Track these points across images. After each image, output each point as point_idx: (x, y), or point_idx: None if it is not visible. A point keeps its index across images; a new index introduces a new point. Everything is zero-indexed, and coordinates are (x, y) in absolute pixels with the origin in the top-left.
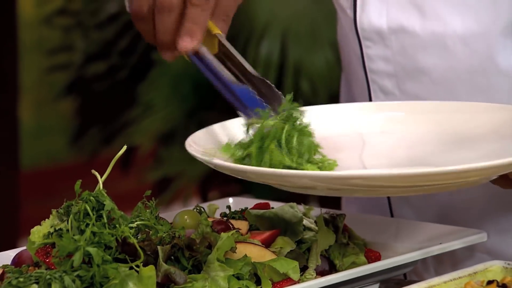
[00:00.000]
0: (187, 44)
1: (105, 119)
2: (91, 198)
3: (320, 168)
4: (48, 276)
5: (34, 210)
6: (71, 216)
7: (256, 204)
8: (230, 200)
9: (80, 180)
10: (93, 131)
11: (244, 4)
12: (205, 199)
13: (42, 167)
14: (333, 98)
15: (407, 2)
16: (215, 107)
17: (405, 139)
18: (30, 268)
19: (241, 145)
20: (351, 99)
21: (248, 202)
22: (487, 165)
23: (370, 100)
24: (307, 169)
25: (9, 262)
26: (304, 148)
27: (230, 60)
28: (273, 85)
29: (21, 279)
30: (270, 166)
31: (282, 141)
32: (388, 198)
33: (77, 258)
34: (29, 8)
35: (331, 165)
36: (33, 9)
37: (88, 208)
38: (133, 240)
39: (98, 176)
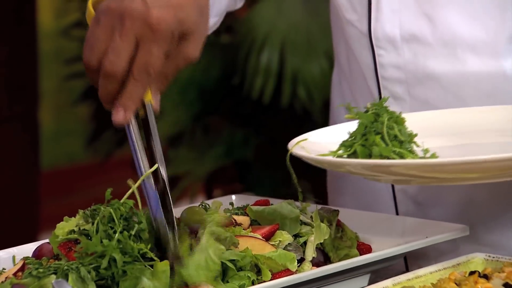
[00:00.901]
0: (120, 117)
1: None
2: (120, 207)
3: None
4: (65, 267)
5: (53, 207)
6: (97, 218)
7: (257, 201)
8: (233, 197)
9: (111, 188)
10: (107, 134)
11: (246, 17)
12: (210, 196)
13: (61, 167)
14: (327, 103)
15: (418, 12)
16: (219, 112)
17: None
18: (50, 260)
19: (344, 145)
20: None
21: (249, 199)
22: None
23: None
24: (409, 156)
25: (29, 255)
26: (405, 136)
27: (148, 132)
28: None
29: (41, 270)
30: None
31: (384, 133)
32: (394, 196)
33: (104, 263)
34: (48, 20)
35: (432, 156)
36: (52, 22)
37: (113, 214)
38: (150, 254)
39: (137, 194)
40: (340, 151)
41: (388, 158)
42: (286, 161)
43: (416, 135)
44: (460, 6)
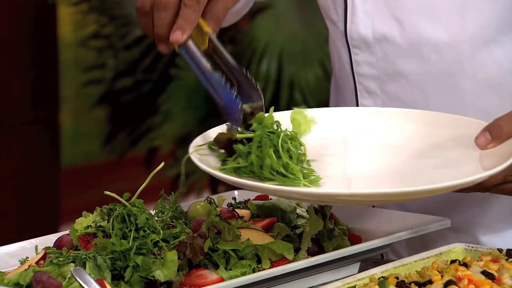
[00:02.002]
0: (178, 37)
1: (132, 125)
2: (133, 212)
3: (304, 177)
4: (83, 256)
5: (72, 201)
6: (112, 216)
7: (257, 196)
8: (236, 192)
9: (128, 194)
10: (122, 135)
11: (247, 29)
12: (214, 191)
13: (79, 165)
14: (321, 106)
15: (388, 16)
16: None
17: (383, 148)
18: (69, 250)
19: (241, 153)
20: (340, 99)
21: (250, 194)
22: (439, 187)
23: (357, 98)
24: (296, 173)
25: (51, 245)
26: (295, 154)
27: (217, 54)
28: (252, 78)
29: (61, 259)
30: (271, 171)
31: (278, 147)
32: None
33: (120, 262)
34: (68, 32)
35: (316, 179)
36: (71, 33)
37: (126, 217)
38: (161, 244)
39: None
40: (236, 162)
41: (278, 172)
42: (189, 162)
43: (304, 154)
44: (425, 10)
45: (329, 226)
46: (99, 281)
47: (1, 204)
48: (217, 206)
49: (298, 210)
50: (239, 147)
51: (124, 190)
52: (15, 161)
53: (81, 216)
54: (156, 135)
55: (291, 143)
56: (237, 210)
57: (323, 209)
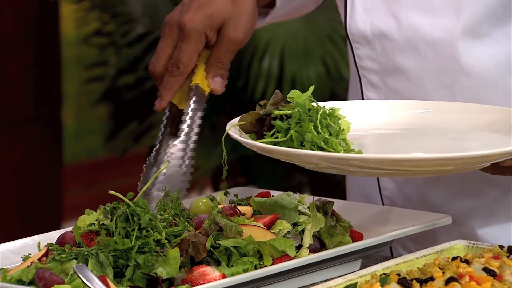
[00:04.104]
0: (157, 105)
1: (134, 122)
2: (137, 212)
3: (345, 151)
4: (86, 253)
5: (75, 198)
6: (116, 215)
7: (259, 193)
8: (238, 189)
9: (132, 193)
10: (124, 132)
11: None
12: (216, 188)
13: (82, 162)
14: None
15: (386, 12)
16: (225, 112)
17: (421, 135)
18: (72, 247)
19: (280, 129)
20: (352, 90)
21: (252, 191)
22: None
23: (362, 90)
24: (335, 147)
25: (53, 242)
26: (333, 130)
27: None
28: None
29: (63, 255)
30: (312, 146)
31: (317, 122)
32: (380, 189)
33: (122, 260)
34: (70, 29)
35: (357, 153)
36: (74, 31)
37: (129, 216)
38: (164, 241)
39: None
40: (275, 137)
41: (319, 146)
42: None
43: (344, 130)
44: (421, 7)
45: (330, 223)
46: (101, 278)
47: (4, 200)
48: (219, 203)
49: (300, 207)
50: (278, 123)
51: (127, 187)
52: (18, 158)
53: (84, 213)
54: (158, 132)
55: (330, 119)
56: (239, 207)
57: (325, 206)
